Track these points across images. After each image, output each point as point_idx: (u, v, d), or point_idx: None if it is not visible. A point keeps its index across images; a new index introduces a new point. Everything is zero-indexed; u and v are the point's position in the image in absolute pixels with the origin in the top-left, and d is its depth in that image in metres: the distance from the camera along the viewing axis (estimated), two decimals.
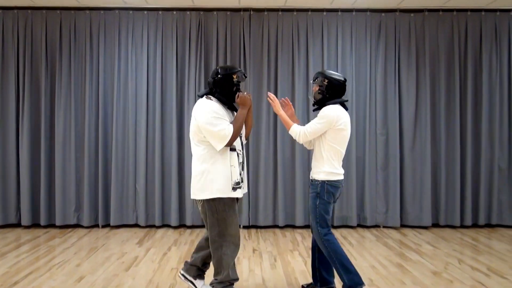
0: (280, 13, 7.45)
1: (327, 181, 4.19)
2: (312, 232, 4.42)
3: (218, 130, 3.92)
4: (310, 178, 4.36)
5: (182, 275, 4.43)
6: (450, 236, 6.96)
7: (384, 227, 7.49)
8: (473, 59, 7.52)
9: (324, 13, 7.46)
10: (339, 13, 7.47)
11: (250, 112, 4.27)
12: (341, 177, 4.26)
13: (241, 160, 4.17)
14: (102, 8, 7.42)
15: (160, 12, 7.44)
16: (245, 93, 4.16)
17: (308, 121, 7.14)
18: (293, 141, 7.36)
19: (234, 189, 4.01)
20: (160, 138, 7.38)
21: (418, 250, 6.17)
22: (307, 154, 7.38)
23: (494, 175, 7.44)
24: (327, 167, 4.19)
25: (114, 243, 6.53)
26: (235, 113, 4.26)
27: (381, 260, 5.70)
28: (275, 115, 7.38)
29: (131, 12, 7.45)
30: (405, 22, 7.50)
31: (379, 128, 7.44)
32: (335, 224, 7.41)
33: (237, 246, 4.12)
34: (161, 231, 7.23)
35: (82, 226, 7.43)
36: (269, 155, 7.42)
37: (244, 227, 7.44)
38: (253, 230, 7.34)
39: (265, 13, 7.45)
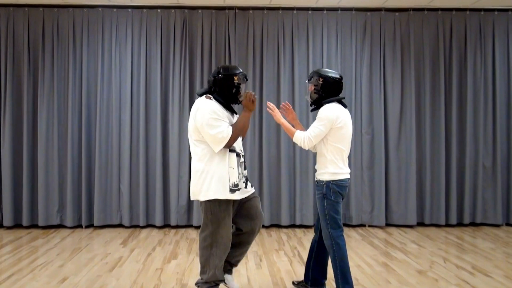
0: (265, 11, 7.42)
1: (332, 181, 4.10)
2: (314, 232, 4.41)
3: (216, 133, 3.87)
4: (315, 179, 4.27)
5: None
6: (435, 235, 6.99)
7: (369, 226, 7.49)
8: (458, 58, 7.55)
9: (310, 11, 7.45)
10: (325, 11, 7.46)
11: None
12: (347, 176, 4.16)
13: (242, 160, 4.13)
14: (85, 6, 7.34)
15: (144, 10, 7.38)
16: (253, 94, 4.10)
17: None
18: (278, 140, 7.35)
19: (232, 191, 3.96)
20: (145, 137, 7.32)
21: (403, 249, 6.18)
22: (293, 153, 7.37)
23: (478, 174, 7.48)
24: (331, 167, 4.10)
25: (97, 243, 6.46)
26: (235, 114, 4.24)
27: (367, 259, 5.70)
28: (260, 115, 7.36)
29: (115, 10, 7.37)
30: (390, 21, 7.52)
31: (364, 127, 7.44)
32: None
33: (227, 248, 4.09)
34: (145, 231, 7.18)
35: (65, 227, 7.35)
36: (254, 154, 7.39)
37: None
38: None
39: (250, 11, 7.42)
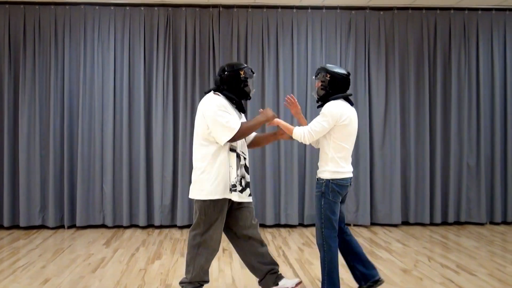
0: (249, 9, 7.39)
1: (332, 179, 4.00)
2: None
3: (227, 121, 3.87)
4: (317, 177, 4.19)
5: None
6: (420, 234, 7.00)
7: (354, 225, 7.48)
8: (442, 57, 7.58)
9: (294, 10, 7.43)
10: (309, 10, 7.45)
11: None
12: (348, 175, 4.07)
13: (243, 162, 4.07)
14: (67, 3, 7.25)
15: (127, 8, 7.31)
16: (275, 116, 4.15)
17: (278, 116, 7.08)
18: None
19: (230, 190, 3.93)
20: (128, 136, 7.25)
21: (388, 248, 6.18)
22: (277, 153, 7.34)
23: (463, 173, 7.51)
24: (332, 166, 4.01)
25: (80, 244, 6.39)
26: (243, 115, 4.24)
27: None
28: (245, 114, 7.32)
29: (97, 7, 7.30)
30: (375, 20, 7.52)
31: None
32: (305, 223, 7.39)
33: (214, 251, 4.07)
34: (129, 232, 7.11)
35: (47, 227, 7.25)
36: None
37: None
38: None
39: (235, 9, 7.38)
